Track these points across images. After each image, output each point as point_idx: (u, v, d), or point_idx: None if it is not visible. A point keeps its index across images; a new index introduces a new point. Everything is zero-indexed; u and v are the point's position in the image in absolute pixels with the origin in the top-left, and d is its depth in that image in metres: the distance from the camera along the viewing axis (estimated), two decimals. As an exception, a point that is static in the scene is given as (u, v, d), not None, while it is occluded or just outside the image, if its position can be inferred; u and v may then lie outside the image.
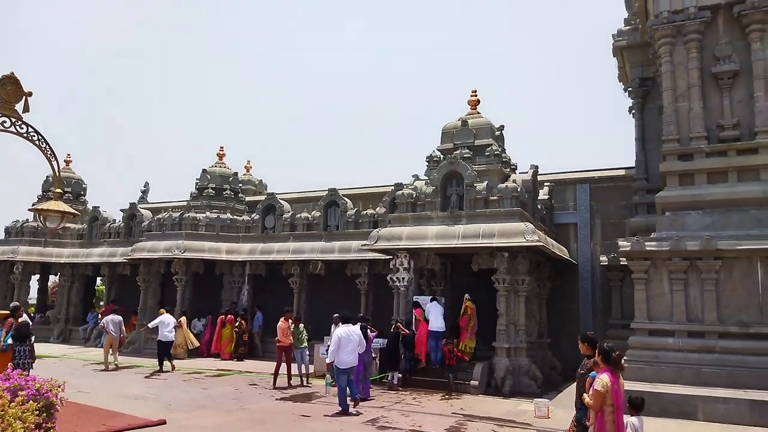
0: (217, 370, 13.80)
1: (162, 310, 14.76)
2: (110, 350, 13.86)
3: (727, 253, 8.93)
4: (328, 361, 8.95)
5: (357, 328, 9.14)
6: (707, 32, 10.19)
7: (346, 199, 16.46)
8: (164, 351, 13.61)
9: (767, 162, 9.30)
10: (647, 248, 9.46)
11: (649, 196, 12.34)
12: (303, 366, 11.68)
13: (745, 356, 8.61)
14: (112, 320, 14.02)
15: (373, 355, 9.41)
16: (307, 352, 11.83)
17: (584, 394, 4.87)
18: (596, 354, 4.86)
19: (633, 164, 13.56)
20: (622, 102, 15.91)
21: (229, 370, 13.70)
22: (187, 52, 56.90)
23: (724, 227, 9.23)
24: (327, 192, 16.66)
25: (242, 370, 13.78)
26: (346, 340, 8.77)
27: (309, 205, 17.93)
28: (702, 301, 9.14)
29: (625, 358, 9.48)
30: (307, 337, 11.92)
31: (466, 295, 12.08)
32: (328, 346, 9.50)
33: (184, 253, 16.48)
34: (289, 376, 11.52)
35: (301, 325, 11.92)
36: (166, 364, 13.46)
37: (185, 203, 18.74)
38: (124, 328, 14.46)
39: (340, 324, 9.24)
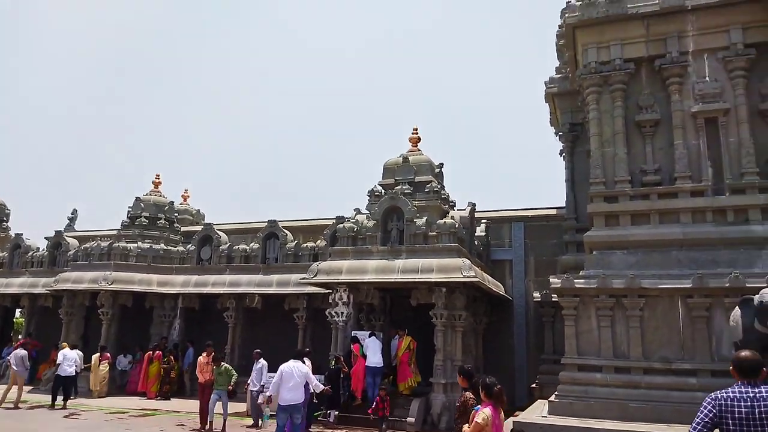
0: (143, 409, 13.09)
1: (64, 344, 14.15)
2: (14, 387, 12.98)
3: (651, 292, 9.39)
4: (268, 393, 8.73)
5: (301, 364, 8.87)
6: (631, 83, 10.90)
7: (286, 231, 16.29)
8: (61, 386, 12.95)
9: (686, 206, 9.92)
10: (576, 285, 9.82)
11: (578, 235, 12.89)
12: (223, 408, 10.51)
13: (669, 391, 8.98)
14: (15, 355, 13.16)
15: (311, 391, 9.22)
16: (227, 394, 10.52)
17: (465, 426, 4.99)
18: (475, 388, 5.05)
19: (564, 204, 14.18)
20: (554, 145, 16.68)
21: (155, 410, 13.02)
22: (129, 75, 55.68)
23: (647, 266, 9.73)
24: (267, 223, 16.44)
25: (169, 409, 13.13)
26: (288, 375, 8.51)
27: (247, 237, 17.61)
28: (628, 337, 9.51)
29: (555, 393, 9.70)
30: (234, 377, 10.67)
31: (403, 330, 12.11)
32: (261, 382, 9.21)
33: (111, 284, 15.72)
34: (203, 417, 10.62)
35: (224, 364, 10.67)
36: (60, 400, 12.87)
37: (116, 232, 17.98)
38: (27, 363, 13.51)
39: (262, 358, 9.04)
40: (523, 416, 9.79)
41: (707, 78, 10.29)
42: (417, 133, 14.36)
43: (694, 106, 10.21)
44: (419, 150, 13.94)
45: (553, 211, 14.97)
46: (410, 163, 13.37)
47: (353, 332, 12.23)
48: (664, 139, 10.48)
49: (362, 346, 11.77)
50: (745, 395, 3.32)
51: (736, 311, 8.16)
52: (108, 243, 16.92)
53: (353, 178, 47.86)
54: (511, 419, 9.76)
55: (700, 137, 10.13)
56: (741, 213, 9.61)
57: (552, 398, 9.68)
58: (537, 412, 9.86)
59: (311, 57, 54.76)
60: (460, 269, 11.07)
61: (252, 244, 16.55)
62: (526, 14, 51.05)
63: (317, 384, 8.88)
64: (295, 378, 8.49)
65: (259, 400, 10.69)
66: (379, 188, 13.49)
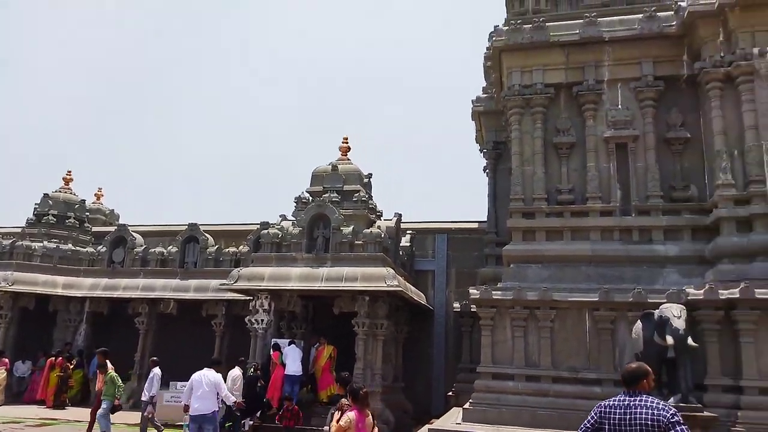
0: (41, 419, 12.19)
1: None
2: None
3: (561, 304, 9.88)
4: (183, 402, 8.43)
5: (213, 372, 8.55)
6: (551, 106, 11.49)
7: (207, 235, 15.79)
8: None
9: (596, 224, 10.54)
10: (494, 296, 10.17)
11: (498, 248, 13.36)
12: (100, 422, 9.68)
13: (575, 399, 9.43)
14: None
15: (234, 400, 8.92)
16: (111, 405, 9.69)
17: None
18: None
19: (486, 219, 14.67)
20: (479, 161, 17.23)
21: (55, 419, 12.17)
22: (44, 64, 52.21)
23: (559, 280, 10.23)
24: (187, 226, 15.87)
25: (71, 419, 12.30)
26: (197, 384, 8.21)
27: (165, 240, 16.90)
28: (539, 347, 9.94)
29: (470, 401, 9.96)
30: (121, 387, 9.92)
31: (324, 338, 12.06)
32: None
33: (12, 285, 14.59)
34: (89, 427, 9.90)
35: (111, 372, 9.76)
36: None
37: (20, 230, 16.75)
38: None
39: (157, 367, 9.64)
40: (437, 423, 9.98)
41: (620, 106, 11.03)
42: (347, 143, 14.42)
43: (607, 131, 10.90)
44: (349, 159, 14.00)
45: (476, 225, 15.44)
46: (339, 172, 13.39)
47: (274, 340, 12.01)
48: (578, 160, 11.10)
49: (282, 354, 11.58)
50: (621, 403, 3.67)
51: (638, 324, 8.75)
52: (10, 241, 15.73)
53: (280, 184, 47.15)
54: (426, 427, 9.93)
55: (611, 161, 10.82)
56: (645, 233, 10.33)
57: (467, 406, 9.93)
58: (452, 419, 10.08)
59: (239, 57, 53.72)
60: (384, 278, 11.18)
61: (170, 247, 15.91)
62: (459, 32, 52.73)
63: (227, 394, 8.58)
64: (203, 387, 8.17)
65: (145, 412, 10.21)
66: (307, 195, 13.40)
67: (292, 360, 11.45)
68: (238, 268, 12.77)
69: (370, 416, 5.07)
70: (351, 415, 4.85)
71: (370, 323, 11.44)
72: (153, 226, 18.85)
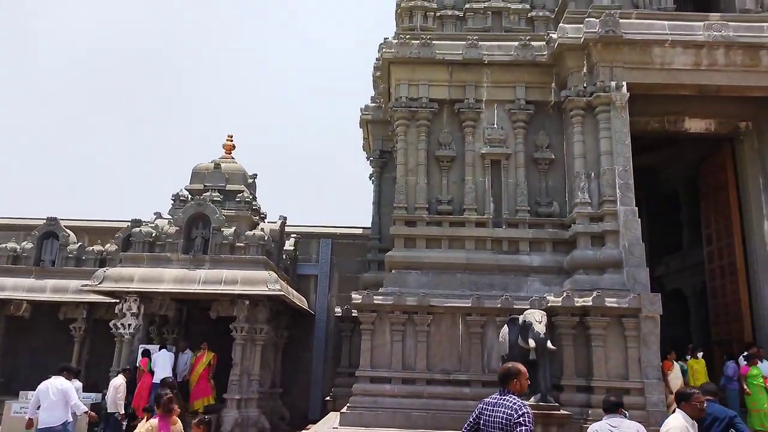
0: None
1: None
2: None
3: (437, 309, 10.36)
4: (27, 416, 7.60)
5: (62, 380, 7.82)
6: (434, 120, 12.01)
7: (68, 231, 14.45)
8: None
9: (471, 234, 11.18)
10: (375, 301, 10.41)
11: (380, 254, 13.67)
12: None
13: (446, 400, 9.92)
14: None
15: (85, 410, 8.18)
16: None
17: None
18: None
19: (370, 225, 14.95)
20: (366, 168, 17.51)
21: None
22: None
23: (437, 286, 10.72)
24: (45, 221, 14.42)
25: None
26: (44, 394, 7.50)
27: (19, 235, 15.23)
28: (416, 350, 10.34)
29: (348, 404, 10.10)
30: None
31: (204, 344, 11.58)
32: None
33: None
34: None
35: None
36: None
37: None
38: None
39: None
40: (314, 429, 10.00)
41: (495, 125, 11.81)
42: (232, 141, 13.99)
43: (484, 148, 11.63)
44: (233, 158, 13.59)
45: (360, 231, 15.68)
46: (222, 170, 12.95)
47: (144, 346, 11.30)
48: (458, 173, 11.72)
49: (150, 361, 10.92)
50: (492, 401, 4.05)
51: (505, 329, 9.41)
52: None
53: (155, 182, 44.35)
54: (303, 432, 9.90)
55: (487, 176, 11.56)
56: (514, 244, 11.15)
57: (344, 410, 10.05)
58: (329, 423, 10.15)
59: (117, 50, 49.97)
60: (266, 282, 10.98)
61: (24, 243, 14.36)
62: (352, 38, 53.28)
63: (77, 404, 7.85)
64: (50, 397, 7.48)
65: None
66: (186, 193, 12.79)
67: (162, 367, 10.82)
68: (104, 268, 11.86)
69: (179, 423, 4.98)
70: (153, 422, 4.79)
71: (250, 328, 11.18)
72: (5, 218, 16.90)
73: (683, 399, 5.07)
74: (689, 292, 15.65)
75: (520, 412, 3.80)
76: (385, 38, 14.91)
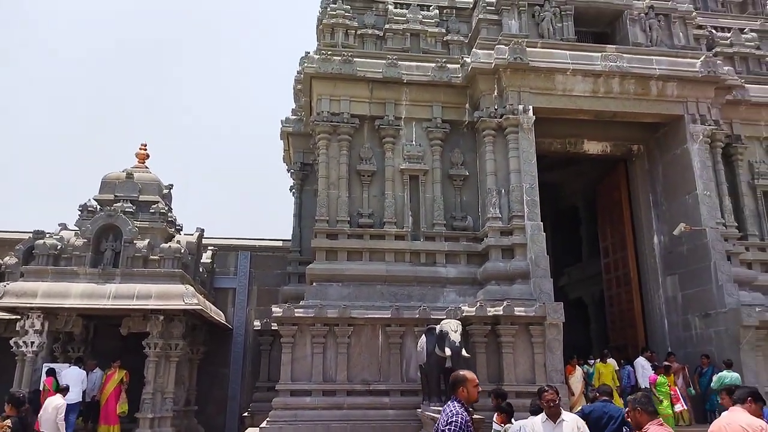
0: None
1: None
2: None
3: (358, 321, 10.57)
4: None
5: None
6: (356, 135, 12.30)
7: (-40, 243, 13.34)
8: None
9: (391, 247, 11.51)
10: (296, 314, 10.46)
11: (301, 267, 13.70)
12: None
13: (367, 410, 10.11)
14: None
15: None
16: None
17: None
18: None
19: (290, 237, 14.93)
20: (286, 180, 17.47)
21: None
22: None
23: (358, 298, 10.94)
24: (-67, 233, 13.23)
25: None
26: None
27: None
28: (336, 362, 10.47)
29: (267, 419, 10.04)
30: None
31: (116, 362, 11.08)
32: None
33: None
34: None
35: None
36: None
37: None
38: None
39: None
40: (233, 445, 9.84)
41: (414, 142, 12.29)
42: (145, 149, 13.53)
43: (402, 164, 12.05)
44: (147, 167, 13.14)
45: (280, 243, 15.60)
46: (135, 180, 12.48)
47: (48, 364, 10.60)
48: (378, 188, 12.06)
49: (56, 381, 10.27)
50: (443, 408, 4.23)
51: (422, 338, 9.76)
52: None
53: (60, 190, 41.45)
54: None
55: (405, 190, 11.98)
56: (431, 256, 11.61)
57: (263, 424, 9.98)
58: (248, 439, 10.03)
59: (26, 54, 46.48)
60: (183, 296, 10.70)
61: None
62: (273, 49, 52.76)
63: None
64: None
65: None
66: (95, 203, 12.20)
67: (74, 386, 10.19)
68: (4, 283, 11.08)
69: None
70: None
71: (164, 344, 10.81)
72: None
73: (538, 396, 5.64)
74: (589, 301, 16.92)
75: (447, 421, 3.89)
76: (307, 52, 15.12)
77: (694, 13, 13.53)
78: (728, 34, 14.35)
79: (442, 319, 9.90)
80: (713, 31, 14.39)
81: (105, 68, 48.11)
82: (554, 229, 17.14)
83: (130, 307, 10.63)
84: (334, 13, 13.30)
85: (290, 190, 15.81)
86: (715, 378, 10.14)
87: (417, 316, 10.52)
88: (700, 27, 14.00)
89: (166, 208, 12.57)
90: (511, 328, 10.16)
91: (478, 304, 10.30)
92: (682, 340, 11.83)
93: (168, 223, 12.32)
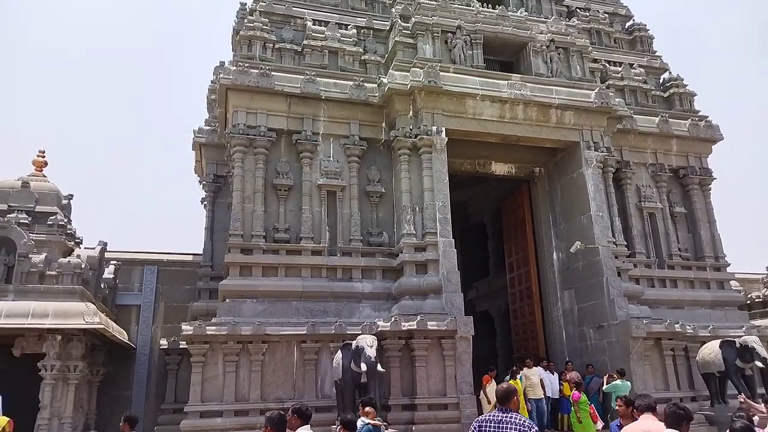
0: None
1: None
2: None
3: (272, 338, 10.44)
4: None
5: None
6: (273, 149, 12.19)
7: None
8: None
9: (307, 262, 11.50)
10: (208, 332, 10.16)
11: (212, 282, 13.32)
12: None
13: (279, 428, 9.96)
14: None
15: None
16: None
17: None
18: None
19: (201, 251, 14.47)
20: (197, 192, 16.90)
21: None
22: None
23: (273, 314, 10.82)
24: None
25: None
26: None
27: None
28: (250, 381, 10.27)
29: (176, 442, 9.64)
30: None
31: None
32: None
33: None
34: None
35: None
36: None
37: None
38: None
39: None
40: (139, 471, 9.34)
41: (331, 158, 12.40)
42: (43, 156, 12.67)
43: (320, 179, 12.12)
44: (45, 176, 12.29)
45: (190, 257, 15.07)
46: (31, 189, 11.64)
47: None
48: (295, 202, 12.02)
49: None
50: (495, 417, 4.32)
51: (338, 354, 9.84)
52: None
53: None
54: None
55: (323, 205, 12.04)
56: (347, 272, 11.72)
57: (171, 448, 9.57)
58: (154, 464, 9.58)
59: None
60: (83, 315, 10.06)
61: None
62: (184, 57, 50.91)
63: None
64: None
65: None
66: (-17, 214, 11.23)
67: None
68: None
69: None
70: None
71: (62, 366, 10.10)
72: None
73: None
74: (495, 314, 17.75)
75: (534, 429, 4.16)
76: (222, 62, 14.89)
77: (590, 48, 14.74)
78: (619, 68, 15.78)
79: (358, 334, 10.05)
80: (607, 64, 15.75)
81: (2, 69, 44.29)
82: (463, 245, 17.82)
83: (25, 326, 9.85)
84: (252, 25, 13.19)
85: (201, 202, 15.36)
86: (608, 385, 10.91)
87: (333, 331, 10.57)
88: (595, 60, 15.28)
89: (66, 220, 11.82)
90: (424, 342, 10.47)
91: (393, 318, 10.52)
92: (579, 350, 12.74)
93: (67, 236, 11.58)
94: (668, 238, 14.23)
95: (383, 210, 12.51)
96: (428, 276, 11.33)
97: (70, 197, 12.56)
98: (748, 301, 16.45)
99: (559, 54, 14.08)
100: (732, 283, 14.77)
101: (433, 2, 13.70)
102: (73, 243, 11.99)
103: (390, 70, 12.78)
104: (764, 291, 16.89)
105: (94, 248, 12.47)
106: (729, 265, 14.47)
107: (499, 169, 14.22)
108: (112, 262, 13.84)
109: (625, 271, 12.72)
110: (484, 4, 14.37)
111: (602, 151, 13.21)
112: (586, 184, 12.88)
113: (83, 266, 10.96)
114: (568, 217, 13.52)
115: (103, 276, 12.90)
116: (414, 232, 11.72)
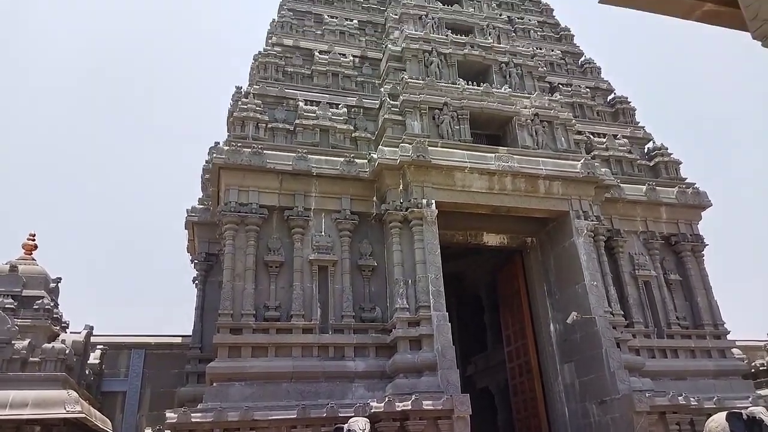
0: None
1: None
2: None
3: (261, 423, 9.96)
4: None
5: None
6: (264, 226, 12.22)
7: None
8: None
9: (298, 341, 11.20)
10: (193, 419, 9.71)
11: (201, 365, 12.92)
12: None
13: None
14: None
15: None
16: None
17: None
18: None
19: (191, 332, 14.14)
20: (189, 271, 16.78)
21: None
22: None
23: (262, 398, 10.40)
24: None
25: None
26: None
27: None
28: (237, 470, 9.71)
29: None
30: None
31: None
32: None
33: None
34: None
35: None
36: None
37: None
38: None
39: None
40: None
41: (323, 233, 12.40)
42: (34, 239, 12.65)
43: (312, 254, 12.05)
44: (34, 259, 12.22)
45: (179, 339, 14.73)
46: (19, 273, 11.53)
47: None
48: (286, 279, 11.89)
49: None
50: None
51: (330, 439, 9.37)
52: None
53: None
54: None
55: (314, 281, 11.89)
56: (339, 350, 11.41)
57: None
58: None
59: None
60: (65, 404, 9.67)
61: None
62: (173, 138, 52.18)
63: None
64: None
65: None
66: (-32, 299, 11.04)
67: None
68: None
69: None
70: None
71: (38, 459, 9.61)
72: None
73: None
74: (495, 390, 17.16)
75: None
76: (216, 143, 15.19)
77: (573, 121, 15.17)
78: (603, 140, 16.16)
79: (351, 416, 9.62)
80: (591, 136, 16.14)
81: (-7, 148, 45.19)
82: (460, 318, 17.58)
83: (2, 417, 9.42)
84: (245, 107, 13.58)
85: (193, 281, 15.20)
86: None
87: (324, 415, 10.13)
88: (579, 132, 15.67)
89: (52, 304, 11.62)
90: (420, 423, 10.01)
91: (387, 399, 10.12)
92: (582, 427, 12.21)
93: (53, 321, 11.34)
94: (665, 306, 14.03)
95: (376, 284, 12.37)
96: (423, 352, 11.03)
97: (58, 280, 12.42)
98: (753, 370, 16.01)
99: (543, 127, 14.45)
100: (734, 351, 14.42)
101: (421, 81, 14.21)
102: (58, 327, 11.73)
103: (380, 146, 13.03)
104: (768, 358, 16.48)
105: (80, 332, 12.19)
106: (729, 332, 14.17)
107: (491, 240, 14.21)
108: (98, 346, 13.51)
109: (624, 342, 12.43)
110: (469, 82, 14.88)
111: (592, 220, 13.26)
112: (578, 253, 12.83)
113: (67, 352, 10.67)
114: (562, 287, 13.38)
115: (89, 361, 12.53)
116: (407, 306, 11.53)
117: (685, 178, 16.07)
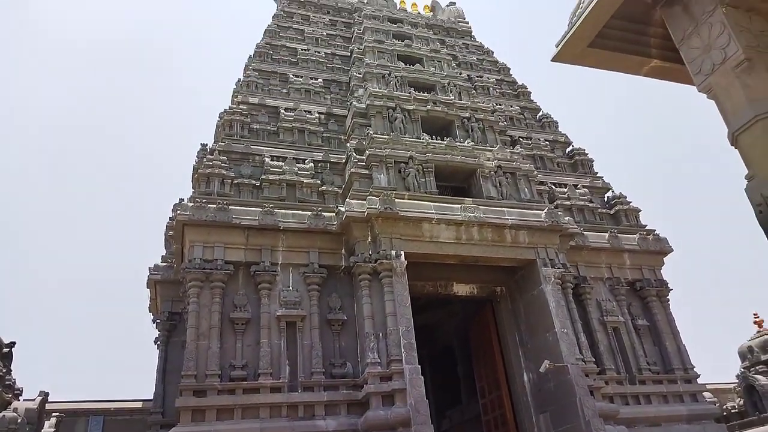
0: None
1: None
2: None
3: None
4: None
5: None
6: (230, 282, 11.96)
7: None
8: None
9: (266, 401, 10.78)
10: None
11: (162, 431, 12.27)
12: None
13: None
14: None
15: None
16: None
17: None
18: None
19: (152, 396, 13.50)
20: (151, 332, 16.20)
21: None
22: None
23: (228, 463, 9.88)
24: None
25: None
26: None
27: None
28: None
29: None
30: None
31: None
32: None
33: None
34: None
35: None
36: None
37: None
38: None
39: None
40: None
41: (291, 287, 12.21)
42: (-15, 304, 12.06)
43: (279, 310, 11.81)
44: (-15, 324, 11.61)
45: (140, 404, 14.03)
46: (-32, 340, 10.92)
47: None
48: (253, 336, 11.56)
49: None
50: None
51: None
52: None
53: None
54: None
55: (282, 337, 11.60)
56: (309, 409, 11.00)
57: None
58: None
59: None
60: (12, 478, 9.00)
61: None
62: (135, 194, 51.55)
63: None
64: None
65: None
66: None
67: None
68: None
69: None
70: None
71: None
72: None
73: None
74: (471, 445, 16.68)
75: None
76: (180, 199, 15.06)
77: (535, 172, 15.61)
78: (565, 189, 16.64)
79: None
80: (552, 186, 16.61)
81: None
82: (434, 370, 17.26)
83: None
84: (210, 163, 13.57)
85: (155, 342, 14.66)
86: None
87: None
88: (541, 183, 16.11)
89: (5, 370, 10.99)
90: (394, 483, 9.64)
91: (359, 458, 9.74)
92: (562, 481, 11.92)
93: (5, 388, 10.71)
94: (635, 352, 14.11)
95: (346, 339, 12.12)
96: (396, 408, 10.72)
97: (11, 345, 11.80)
98: (725, 413, 16.07)
99: (507, 178, 14.81)
100: (705, 394, 14.50)
101: (386, 136, 14.51)
102: (11, 395, 11.06)
103: (347, 199, 13.09)
104: (739, 401, 16.58)
105: (34, 399, 11.49)
106: (699, 375, 14.29)
107: (461, 290, 14.21)
108: (54, 413, 12.73)
109: (598, 390, 12.37)
110: (433, 137, 15.26)
111: (559, 268, 13.43)
112: (547, 300, 12.90)
113: (19, 421, 10.03)
114: (533, 335, 13.35)
115: (43, 430, 11.77)
116: (379, 360, 11.29)
117: (645, 225, 16.57)
